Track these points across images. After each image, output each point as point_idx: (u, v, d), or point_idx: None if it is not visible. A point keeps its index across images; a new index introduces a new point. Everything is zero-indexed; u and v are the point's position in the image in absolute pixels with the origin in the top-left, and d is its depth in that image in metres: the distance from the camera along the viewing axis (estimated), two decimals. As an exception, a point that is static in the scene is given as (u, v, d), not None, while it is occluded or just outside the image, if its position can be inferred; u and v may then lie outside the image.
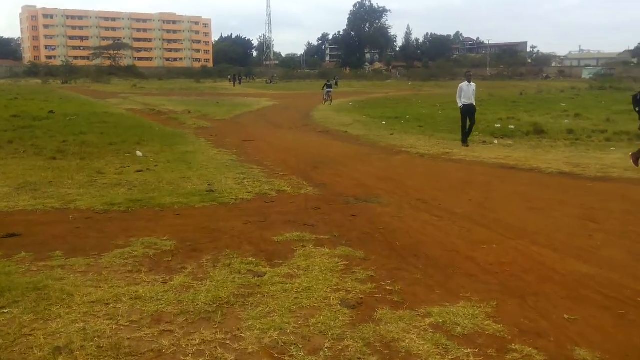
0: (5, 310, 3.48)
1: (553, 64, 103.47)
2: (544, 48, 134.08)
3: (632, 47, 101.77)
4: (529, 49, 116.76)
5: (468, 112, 13.04)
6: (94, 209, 6.21)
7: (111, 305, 3.61)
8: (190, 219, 5.86)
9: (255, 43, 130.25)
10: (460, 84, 13.44)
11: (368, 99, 34.29)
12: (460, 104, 13.16)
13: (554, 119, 20.00)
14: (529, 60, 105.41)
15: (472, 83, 13.28)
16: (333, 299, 3.77)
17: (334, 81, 55.46)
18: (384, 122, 18.55)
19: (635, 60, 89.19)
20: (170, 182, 7.80)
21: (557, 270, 4.50)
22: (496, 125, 17.47)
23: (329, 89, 28.71)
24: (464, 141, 12.94)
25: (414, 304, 3.73)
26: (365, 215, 6.20)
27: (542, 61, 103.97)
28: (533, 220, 6.03)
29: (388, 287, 4.01)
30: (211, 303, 3.67)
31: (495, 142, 13.81)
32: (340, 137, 14.78)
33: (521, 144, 13.46)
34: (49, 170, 8.48)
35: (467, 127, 13.03)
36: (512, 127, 17.15)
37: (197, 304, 3.65)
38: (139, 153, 10.25)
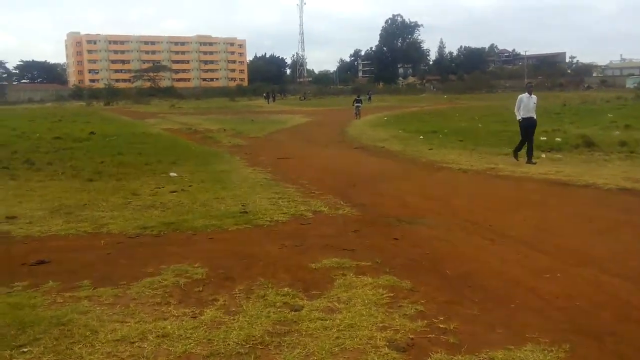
0: (25, 350, 3.22)
1: (594, 74, 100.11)
2: (583, 58, 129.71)
3: None
4: (567, 59, 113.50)
5: (528, 125, 12.21)
6: (127, 232, 6.01)
7: (137, 344, 3.30)
8: (223, 243, 5.55)
9: (288, 61, 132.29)
10: (520, 96, 12.69)
11: (403, 113, 33.77)
12: (519, 117, 12.37)
13: (602, 130, 18.95)
14: (569, 71, 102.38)
15: (532, 95, 12.49)
16: (379, 339, 3.33)
17: (367, 96, 55.57)
18: (421, 137, 17.99)
19: None
20: (203, 203, 7.57)
21: (634, 304, 3.91)
22: (542, 138, 16.58)
23: (358, 104, 29.83)
24: (515, 154, 12.17)
25: (474, 347, 3.24)
26: (410, 238, 5.73)
27: (582, 71, 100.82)
28: (598, 244, 5.41)
29: (441, 325, 3.54)
30: (244, 343, 3.30)
31: (543, 155, 13.03)
32: (377, 153, 14.35)
33: (571, 157, 12.65)
34: (85, 192, 8.44)
35: (524, 143, 12.20)
36: (559, 139, 16.26)
37: (229, 344, 3.29)
38: (172, 174, 10.15)
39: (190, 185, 9.08)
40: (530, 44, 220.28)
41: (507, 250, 5.24)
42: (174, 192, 8.51)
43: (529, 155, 11.87)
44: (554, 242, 5.50)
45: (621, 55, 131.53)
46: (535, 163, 11.59)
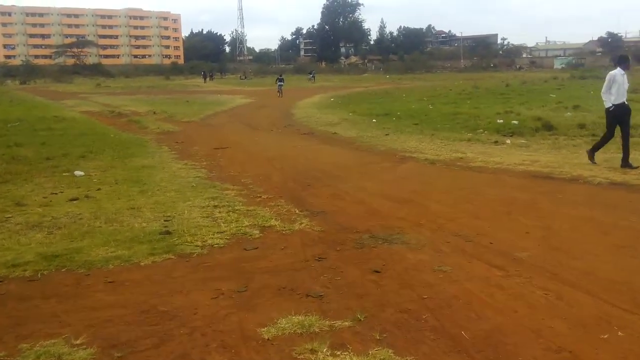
0: None
1: (523, 55, 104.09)
2: (512, 40, 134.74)
3: (595, 38, 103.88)
4: (499, 41, 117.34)
5: (623, 114, 8.43)
6: (-16, 275, 4.06)
7: None
8: (128, 292, 3.77)
9: (227, 38, 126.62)
10: (611, 73, 8.56)
11: (349, 94, 32.40)
12: (609, 104, 8.45)
13: (553, 111, 18.51)
14: (500, 52, 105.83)
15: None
16: None
17: (310, 76, 53.96)
18: (374, 120, 16.64)
19: (601, 50, 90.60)
20: (111, 217, 5.66)
21: None
22: (499, 121, 15.77)
23: (280, 83, 31.77)
24: (591, 154, 8.77)
25: None
26: (394, 269, 4.22)
27: (513, 52, 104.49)
28: (636, 271, 4.16)
29: None
30: None
31: (508, 141, 12.02)
32: (329, 140, 12.76)
33: (537, 143, 11.71)
34: (-53, 204, 6.24)
35: (609, 139, 8.76)
36: (516, 122, 15.48)
37: None
38: (78, 172, 8.03)
39: (98, 189, 7.07)
40: (466, 26, 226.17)
41: (528, 286, 3.85)
42: (74, 200, 6.50)
43: (626, 156, 8.30)
44: (579, 268, 4.19)
45: (546, 37, 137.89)
46: (637, 167, 8.09)
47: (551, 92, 27.49)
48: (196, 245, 4.73)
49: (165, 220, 5.55)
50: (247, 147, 11.47)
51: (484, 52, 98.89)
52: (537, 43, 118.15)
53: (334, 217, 5.80)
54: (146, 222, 5.51)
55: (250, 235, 5.09)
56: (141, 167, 8.71)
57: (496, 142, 11.94)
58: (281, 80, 32.31)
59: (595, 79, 39.77)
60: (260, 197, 6.73)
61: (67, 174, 8.10)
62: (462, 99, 24.98)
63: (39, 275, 4.08)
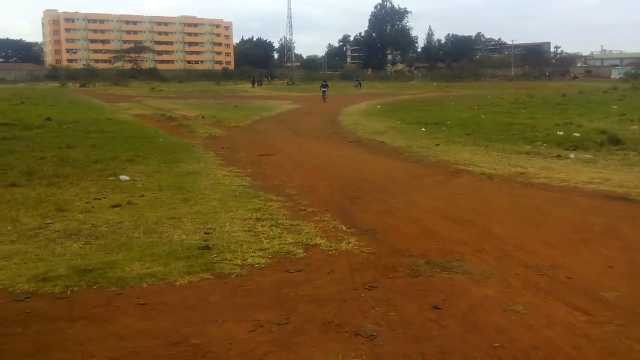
0: None
1: (578, 64, 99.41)
2: (566, 48, 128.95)
3: None
4: (552, 49, 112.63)
5: None
6: (15, 289, 3.85)
7: None
8: (160, 318, 3.43)
9: (276, 45, 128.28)
10: None
11: (396, 101, 31.69)
12: None
13: (617, 124, 17.16)
14: (553, 61, 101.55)
15: None
16: None
17: (357, 83, 53.63)
18: (423, 129, 15.95)
19: None
20: (151, 227, 5.42)
21: None
22: (559, 133, 14.73)
23: (324, 89, 32.39)
24: None
25: None
26: (457, 306, 3.68)
27: (567, 61, 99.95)
28: None
29: None
30: None
31: (571, 156, 11.08)
32: (377, 149, 12.24)
33: (604, 158, 10.70)
34: (-6, 206, 6.21)
35: None
36: (577, 134, 14.39)
37: None
38: (123, 177, 7.93)
39: (142, 196, 6.90)
40: (515, 33, 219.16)
41: (622, 338, 3.22)
42: (117, 206, 6.33)
43: None
44: (684, 317, 3.50)
45: (602, 46, 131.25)
46: None
47: (612, 104, 25.83)
48: (236, 264, 4.37)
49: (205, 233, 5.24)
50: (292, 155, 11.14)
51: (536, 61, 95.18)
52: (592, 52, 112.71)
53: (385, 237, 5.30)
54: (186, 234, 5.22)
55: (294, 254, 4.68)
56: (186, 173, 8.53)
57: (559, 156, 11.02)
58: (325, 86, 33.17)
59: (660, 91, 37.23)
60: (305, 210, 6.32)
61: (113, 178, 8.01)
62: (517, 109, 23.79)
63: (69, 292, 3.83)
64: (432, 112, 22.63)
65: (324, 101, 30.66)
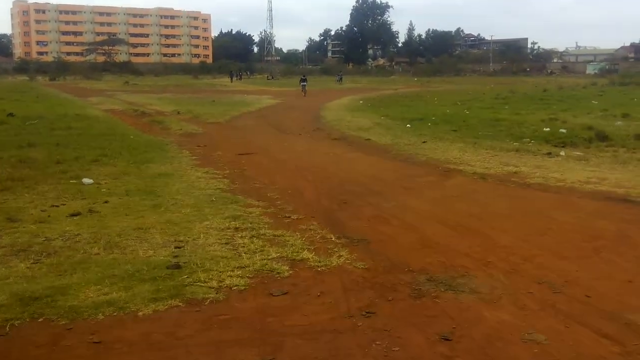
0: None
1: (554, 60, 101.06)
2: (542, 44, 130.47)
3: (627, 44, 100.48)
4: (529, 45, 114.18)
5: None
6: (-62, 325, 3.17)
7: None
8: (116, 363, 2.81)
9: (256, 39, 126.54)
10: None
11: (379, 96, 31.27)
12: None
13: (602, 119, 17.09)
14: (531, 57, 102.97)
15: None
16: None
17: (338, 77, 53.07)
18: (408, 125, 15.50)
19: (633, 56, 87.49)
20: (113, 241, 4.75)
21: None
22: (545, 129, 14.48)
23: (303, 83, 32.91)
24: None
25: None
26: (470, 335, 3.15)
27: (544, 57, 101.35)
28: None
29: None
30: None
31: (562, 153, 10.74)
32: (363, 146, 11.68)
33: (595, 156, 10.39)
34: None
35: None
36: (564, 130, 14.15)
37: None
38: (86, 180, 7.19)
39: (105, 202, 6.20)
40: (494, 29, 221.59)
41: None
42: (76, 215, 5.63)
43: None
44: None
45: (576, 42, 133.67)
46: None
47: (592, 99, 26.00)
48: (210, 287, 3.76)
49: (176, 247, 4.61)
50: (274, 154, 10.51)
51: (514, 56, 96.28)
52: (566, 48, 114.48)
53: (380, 248, 4.75)
54: (153, 248, 4.57)
55: (278, 272, 4.09)
56: (157, 175, 7.83)
57: (549, 153, 10.66)
58: (304, 80, 33.73)
59: (637, 86, 37.68)
60: (289, 217, 5.73)
61: (74, 181, 7.27)
62: (499, 104, 23.63)
63: (8, 327, 3.16)
64: (416, 107, 22.24)
65: (304, 95, 31.01)
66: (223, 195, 6.63)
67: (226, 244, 4.74)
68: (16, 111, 16.26)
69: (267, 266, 4.20)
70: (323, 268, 4.24)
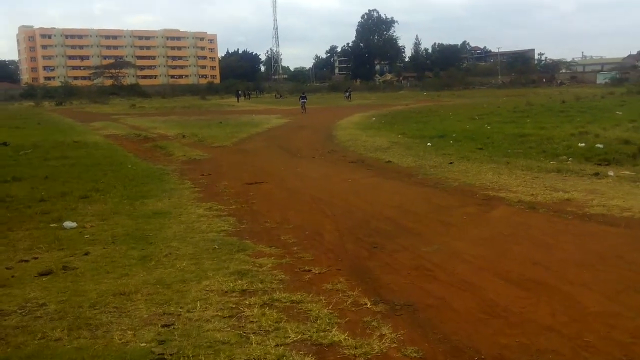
0: None
1: (562, 70, 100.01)
2: (548, 55, 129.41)
3: (634, 52, 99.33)
4: (536, 56, 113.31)
5: None
6: None
7: None
8: None
9: (262, 58, 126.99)
10: None
11: (390, 112, 30.25)
12: None
13: (634, 132, 15.87)
14: (539, 68, 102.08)
15: None
16: None
17: (346, 94, 52.22)
18: (429, 144, 14.38)
19: None
20: (84, 316, 3.64)
21: None
22: (580, 144, 13.31)
23: (303, 100, 33.39)
24: None
25: None
26: None
27: (551, 68, 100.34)
28: None
29: None
30: None
31: (611, 173, 9.51)
32: (384, 170, 10.54)
33: (648, 175, 9.17)
34: None
35: None
36: (600, 146, 12.97)
37: None
38: (68, 224, 6.12)
39: (86, 254, 5.11)
40: (499, 41, 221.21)
41: None
42: (47, 274, 4.54)
43: None
44: None
45: (582, 52, 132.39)
46: None
47: (615, 109, 24.79)
48: (206, 404, 2.61)
49: (163, 326, 3.48)
50: (286, 182, 9.40)
51: (523, 68, 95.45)
52: (573, 58, 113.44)
53: (432, 319, 3.58)
54: (134, 329, 3.45)
55: (302, 370, 2.94)
56: (152, 214, 6.75)
57: (596, 174, 9.44)
58: (304, 97, 34.11)
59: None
60: (309, 270, 4.60)
61: (55, 225, 6.21)
62: (520, 118, 22.49)
63: None
64: (432, 123, 21.13)
65: (303, 112, 31.68)
66: (228, 241, 5.52)
67: (229, 317, 3.61)
68: (12, 139, 15.43)
69: (286, 357, 3.04)
70: (362, 358, 3.08)
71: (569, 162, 11.03)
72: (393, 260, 4.88)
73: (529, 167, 10.26)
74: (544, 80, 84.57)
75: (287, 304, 3.86)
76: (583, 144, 13.27)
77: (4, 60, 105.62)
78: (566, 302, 3.84)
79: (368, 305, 3.83)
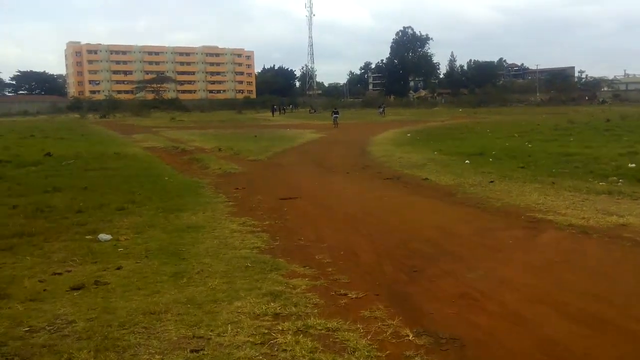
0: None
1: (604, 88, 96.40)
2: (589, 72, 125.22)
3: None
4: (576, 74, 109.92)
5: None
6: None
7: None
8: None
9: (298, 73, 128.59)
10: None
11: (426, 129, 29.76)
12: None
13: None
14: (579, 86, 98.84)
15: None
16: None
17: (380, 109, 52.10)
18: (467, 162, 13.91)
19: None
20: (112, 336, 3.50)
21: None
22: (630, 165, 12.58)
23: (335, 115, 34.60)
24: None
25: None
26: None
27: (593, 85, 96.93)
28: None
29: None
30: None
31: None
32: (421, 188, 10.20)
33: None
34: None
35: None
36: (660, 168, 12.19)
37: None
38: (103, 236, 6.09)
39: (118, 268, 5.02)
40: (537, 59, 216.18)
41: None
42: (78, 288, 4.46)
43: None
44: None
45: (625, 70, 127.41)
46: None
47: (669, 129, 23.46)
48: None
49: (192, 351, 3.29)
50: (320, 198, 9.20)
51: (562, 85, 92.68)
52: (615, 76, 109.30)
53: (481, 358, 3.25)
54: (162, 352, 3.28)
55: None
56: (186, 228, 6.66)
57: (656, 199, 8.80)
58: (336, 112, 35.33)
59: None
60: (345, 294, 4.34)
61: (90, 236, 6.19)
62: (562, 136, 21.63)
63: None
64: (469, 140, 20.57)
65: (335, 126, 32.67)
66: (261, 258, 5.33)
67: (261, 344, 3.39)
68: (56, 150, 15.91)
69: (321, 396, 2.79)
70: (406, 399, 2.79)
71: (619, 183, 10.38)
72: (435, 287, 4.56)
73: (576, 188, 9.69)
74: (586, 98, 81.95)
75: (323, 331, 3.61)
76: (634, 165, 12.52)
77: (53, 74, 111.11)
78: (636, 344, 3.43)
79: (410, 337, 3.54)
